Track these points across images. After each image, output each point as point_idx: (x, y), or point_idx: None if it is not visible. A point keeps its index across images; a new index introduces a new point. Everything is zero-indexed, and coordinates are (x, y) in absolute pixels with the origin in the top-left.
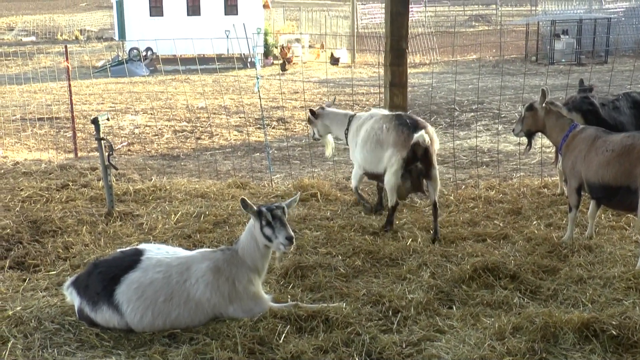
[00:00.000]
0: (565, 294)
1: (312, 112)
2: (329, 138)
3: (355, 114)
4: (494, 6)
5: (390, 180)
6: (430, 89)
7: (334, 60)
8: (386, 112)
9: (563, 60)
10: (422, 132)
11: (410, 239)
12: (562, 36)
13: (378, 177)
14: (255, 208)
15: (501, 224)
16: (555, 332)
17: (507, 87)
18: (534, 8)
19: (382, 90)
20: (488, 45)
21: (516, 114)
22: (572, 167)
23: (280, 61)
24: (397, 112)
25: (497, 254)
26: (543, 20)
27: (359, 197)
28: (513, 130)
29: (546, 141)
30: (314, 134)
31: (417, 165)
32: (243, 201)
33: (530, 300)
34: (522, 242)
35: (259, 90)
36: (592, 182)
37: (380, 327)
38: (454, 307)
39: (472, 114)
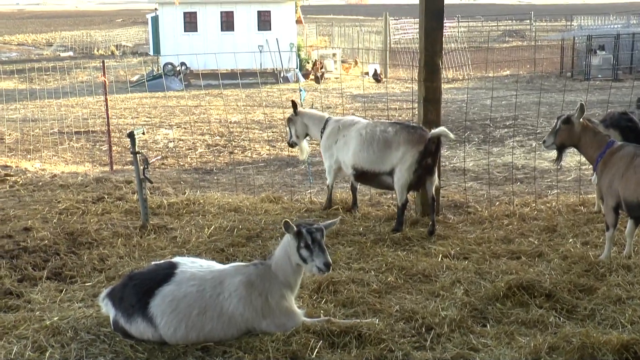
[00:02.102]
0: (603, 314)
1: (294, 105)
2: (304, 144)
3: (330, 117)
4: (528, 21)
5: (403, 176)
6: (465, 105)
7: (376, 76)
8: (361, 118)
9: (599, 75)
10: (442, 127)
11: (442, 255)
12: (598, 52)
13: (370, 177)
14: (295, 229)
15: (536, 242)
16: (593, 353)
17: (542, 103)
18: (569, 23)
19: (416, 105)
20: (522, 60)
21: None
22: (609, 186)
23: (313, 76)
24: (387, 121)
25: (532, 272)
26: (579, 36)
27: (330, 194)
28: (544, 142)
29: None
30: (290, 136)
31: (428, 160)
32: (286, 223)
33: (566, 320)
34: (558, 260)
35: (302, 102)
36: (630, 201)
37: (413, 344)
38: (488, 325)
39: (506, 130)
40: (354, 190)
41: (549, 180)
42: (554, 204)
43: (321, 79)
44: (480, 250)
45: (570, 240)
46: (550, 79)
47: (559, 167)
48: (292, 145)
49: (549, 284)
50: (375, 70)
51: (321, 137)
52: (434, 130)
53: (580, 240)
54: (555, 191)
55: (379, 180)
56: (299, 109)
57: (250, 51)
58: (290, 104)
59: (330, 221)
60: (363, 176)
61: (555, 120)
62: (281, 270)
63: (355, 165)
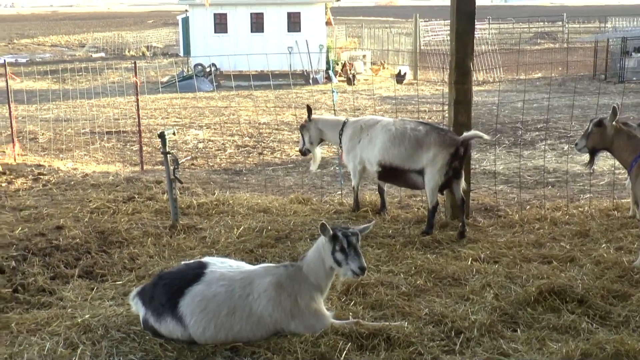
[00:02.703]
0: (638, 321)
1: (309, 110)
2: (317, 151)
3: (347, 119)
4: (560, 23)
5: (434, 178)
6: (496, 108)
7: (400, 77)
8: (380, 117)
9: (634, 78)
10: (474, 130)
11: (472, 259)
12: (633, 54)
13: (398, 174)
14: (331, 232)
15: (568, 246)
16: None
17: (575, 106)
18: (602, 25)
19: (446, 107)
20: (554, 63)
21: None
22: None
23: (343, 78)
24: (414, 120)
25: (564, 276)
26: (613, 38)
27: (356, 196)
28: (576, 145)
29: (617, 161)
30: (303, 143)
31: (456, 163)
32: (323, 226)
33: (599, 326)
34: (590, 265)
35: (334, 103)
36: None
37: (442, 347)
38: (518, 330)
39: (537, 133)
40: (381, 192)
41: (581, 184)
42: (586, 208)
43: (353, 80)
44: (511, 254)
45: (604, 245)
46: (583, 82)
47: (591, 170)
48: (304, 153)
49: (582, 290)
50: (400, 72)
51: (340, 140)
52: (466, 134)
53: (614, 246)
54: (588, 195)
55: (406, 177)
56: (314, 114)
57: (280, 52)
58: (316, 105)
59: (364, 225)
60: (390, 173)
61: (588, 123)
62: (313, 273)
63: (382, 162)
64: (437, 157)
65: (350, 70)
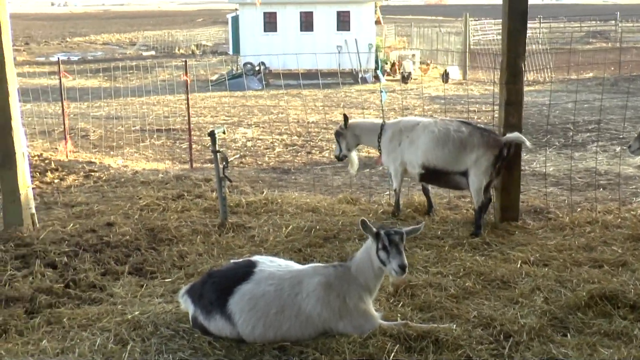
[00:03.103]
0: None
1: (345, 118)
2: (354, 155)
3: (385, 122)
4: (613, 22)
5: (479, 179)
6: (547, 108)
7: (445, 77)
8: (419, 118)
9: None
10: (517, 133)
11: (522, 262)
12: None
13: (441, 176)
14: (374, 230)
15: (620, 250)
16: None
17: (627, 107)
18: None
19: (496, 108)
20: (606, 62)
21: (635, 134)
22: None
23: (392, 77)
24: (455, 119)
25: (616, 281)
26: None
27: (398, 198)
28: (629, 147)
29: None
30: (340, 150)
31: (499, 164)
32: (363, 222)
33: None
34: None
35: (382, 103)
36: None
37: (491, 351)
38: (568, 334)
39: (588, 134)
40: (426, 192)
41: (633, 186)
42: (639, 212)
43: (408, 79)
44: (561, 258)
45: None
46: (636, 82)
47: None
48: (341, 159)
49: (634, 295)
50: (446, 71)
51: (379, 143)
52: (510, 136)
53: None
54: None
55: (448, 179)
56: (350, 120)
57: (329, 51)
58: (365, 105)
59: (413, 227)
60: (433, 175)
61: None
62: (362, 273)
63: (426, 164)
64: (482, 158)
65: (399, 69)
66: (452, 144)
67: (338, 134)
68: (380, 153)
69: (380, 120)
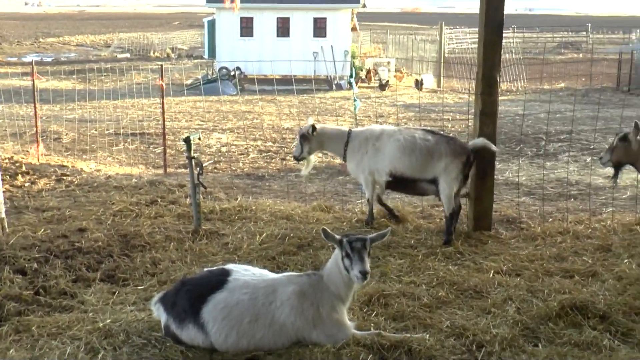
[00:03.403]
0: None
1: (314, 129)
2: (312, 159)
3: (351, 130)
4: (585, 33)
5: (449, 186)
6: (520, 118)
7: (419, 84)
8: (384, 126)
9: None
10: (482, 138)
11: (494, 271)
12: None
13: (408, 183)
14: (337, 238)
15: (590, 261)
16: None
17: (598, 118)
18: (627, 36)
19: (471, 117)
20: (578, 73)
21: (605, 145)
22: None
23: (366, 84)
24: (418, 128)
25: (586, 292)
26: (638, 50)
27: (371, 207)
28: (600, 159)
29: (639, 175)
30: (300, 152)
31: (467, 170)
32: (324, 231)
33: (621, 344)
34: (613, 280)
35: (355, 112)
36: None
37: None
38: (539, 345)
39: (560, 144)
40: (380, 202)
41: (603, 197)
42: (609, 222)
43: (386, 86)
44: (533, 268)
45: (626, 260)
46: (606, 93)
47: (615, 184)
48: (299, 160)
49: (604, 305)
50: (418, 79)
51: (344, 152)
52: (475, 141)
53: (636, 261)
54: (611, 209)
55: (415, 186)
56: (319, 124)
57: (305, 57)
58: (339, 112)
59: (378, 233)
60: (400, 182)
61: (613, 137)
62: (333, 282)
63: (393, 171)
64: (450, 165)
65: (374, 76)
66: (420, 152)
67: (303, 137)
68: (345, 161)
69: (346, 129)
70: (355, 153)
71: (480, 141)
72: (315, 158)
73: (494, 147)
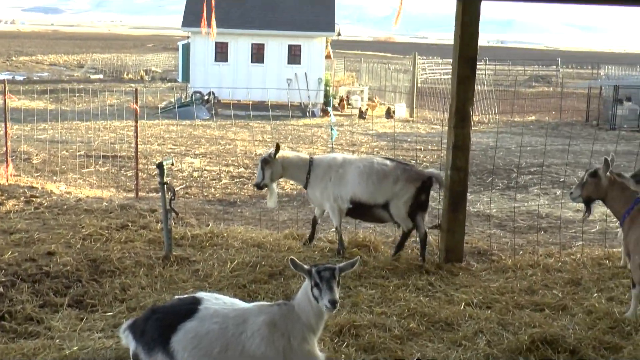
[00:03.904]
0: None
1: (277, 148)
2: (274, 187)
3: (312, 157)
4: (554, 67)
5: (400, 209)
6: (491, 150)
7: (389, 114)
8: (344, 154)
9: (625, 126)
10: (439, 172)
11: (465, 303)
12: (625, 102)
13: (365, 209)
14: (305, 268)
15: (560, 294)
16: None
17: (567, 151)
18: (595, 71)
19: (443, 147)
20: (548, 106)
21: (575, 179)
22: (636, 242)
23: (340, 112)
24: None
25: (556, 325)
26: (606, 85)
27: (341, 235)
28: (571, 194)
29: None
30: (262, 178)
31: (422, 197)
32: (292, 261)
33: None
34: (582, 314)
35: (332, 141)
36: None
37: None
38: None
39: (531, 176)
40: (314, 224)
41: (573, 230)
42: (578, 256)
43: (365, 114)
44: (504, 300)
45: (595, 294)
46: (575, 127)
47: (586, 218)
48: (261, 187)
49: (573, 340)
50: (389, 109)
51: (307, 180)
52: (432, 171)
53: (605, 295)
54: (580, 243)
55: (372, 212)
56: (280, 151)
57: (279, 83)
58: (312, 139)
59: (347, 262)
60: (359, 209)
61: (583, 173)
62: (303, 312)
63: (354, 198)
64: (403, 190)
65: (346, 105)
66: (376, 175)
67: (265, 162)
68: (306, 189)
69: (308, 156)
70: (319, 181)
71: (436, 173)
72: (276, 188)
73: (442, 182)
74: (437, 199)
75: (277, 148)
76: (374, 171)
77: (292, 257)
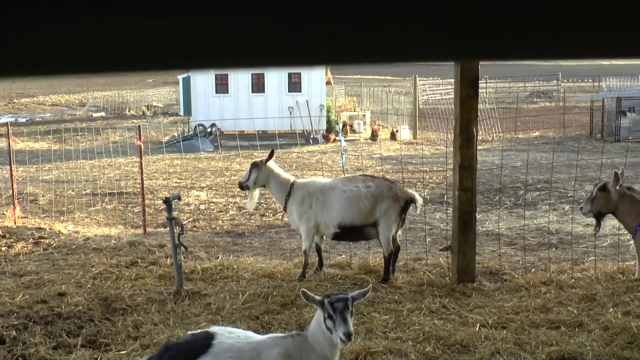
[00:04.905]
0: None
1: (270, 154)
2: (256, 193)
3: (294, 180)
4: (555, 82)
5: (389, 229)
6: (497, 168)
7: (393, 136)
8: (324, 179)
9: (630, 137)
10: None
11: (480, 325)
12: (628, 113)
13: (355, 231)
14: (318, 299)
15: (575, 311)
16: None
17: (573, 165)
18: (596, 84)
19: (447, 167)
20: (551, 122)
21: (583, 193)
22: None
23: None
24: (356, 175)
25: (573, 343)
26: (608, 97)
27: (307, 259)
28: (581, 209)
29: (619, 223)
30: (247, 179)
31: (404, 215)
32: (304, 293)
33: None
34: (599, 331)
35: (342, 166)
36: None
37: None
38: None
39: (538, 193)
40: (319, 250)
41: (584, 245)
42: (591, 271)
43: (376, 137)
44: (519, 320)
45: (611, 310)
46: (580, 141)
47: (596, 233)
48: (243, 188)
49: (592, 357)
50: (392, 132)
51: (286, 202)
52: (412, 192)
53: (621, 310)
54: (592, 257)
55: (361, 233)
56: (270, 163)
57: (280, 112)
58: (317, 166)
59: (360, 291)
60: (348, 232)
61: (592, 187)
62: (317, 342)
63: (342, 223)
64: (391, 209)
65: (350, 130)
66: (366, 198)
67: (254, 165)
68: (285, 211)
69: (292, 178)
70: (298, 205)
71: (415, 194)
72: (258, 193)
73: (419, 205)
74: (445, 220)
75: (271, 154)
76: (363, 194)
77: (303, 288)
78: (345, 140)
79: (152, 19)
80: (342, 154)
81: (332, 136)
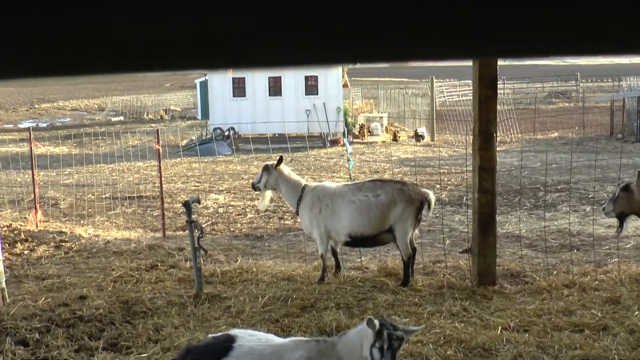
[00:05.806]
0: None
1: (280, 160)
2: (268, 194)
3: (307, 184)
4: (574, 82)
5: (406, 232)
6: (516, 169)
7: (418, 137)
8: (334, 183)
9: None
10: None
11: (502, 328)
12: None
13: (369, 239)
14: (377, 327)
15: (599, 314)
16: None
17: (593, 166)
18: (616, 83)
19: (465, 168)
20: (570, 122)
21: (604, 194)
22: None
23: (361, 140)
24: (365, 181)
25: (598, 346)
26: (629, 97)
27: (325, 263)
28: (603, 209)
29: None
30: (259, 181)
31: (420, 215)
32: (370, 321)
33: None
34: (624, 334)
35: (350, 171)
36: None
37: None
38: None
39: (558, 194)
40: (335, 254)
41: (607, 247)
42: (615, 273)
43: (398, 137)
44: (541, 323)
45: (636, 313)
46: (600, 141)
47: (619, 234)
48: (255, 189)
49: None
50: (416, 132)
51: (297, 205)
52: (426, 191)
53: None
54: (615, 259)
55: (376, 239)
56: (282, 167)
57: (298, 115)
58: (334, 168)
59: (414, 328)
60: (360, 240)
61: (614, 188)
62: (349, 354)
63: (352, 233)
64: (406, 212)
65: (367, 132)
66: (376, 208)
67: (266, 168)
68: (297, 215)
69: (304, 182)
70: (309, 210)
71: (429, 192)
72: (271, 195)
73: (433, 204)
74: (464, 222)
75: (280, 160)
76: (372, 204)
77: (370, 317)
78: (361, 143)
79: (171, 18)
80: (348, 159)
81: (342, 140)
